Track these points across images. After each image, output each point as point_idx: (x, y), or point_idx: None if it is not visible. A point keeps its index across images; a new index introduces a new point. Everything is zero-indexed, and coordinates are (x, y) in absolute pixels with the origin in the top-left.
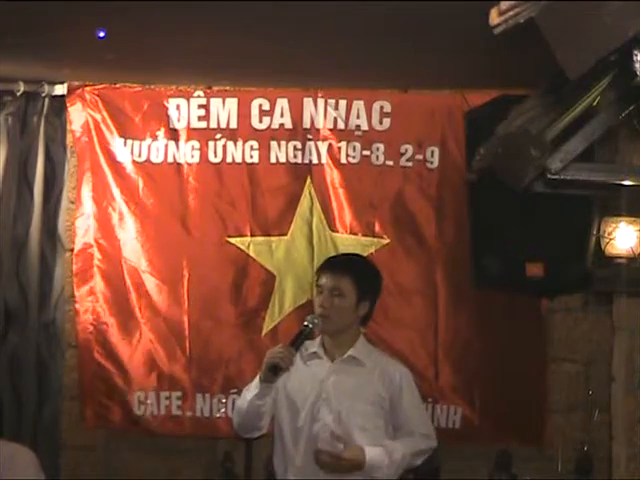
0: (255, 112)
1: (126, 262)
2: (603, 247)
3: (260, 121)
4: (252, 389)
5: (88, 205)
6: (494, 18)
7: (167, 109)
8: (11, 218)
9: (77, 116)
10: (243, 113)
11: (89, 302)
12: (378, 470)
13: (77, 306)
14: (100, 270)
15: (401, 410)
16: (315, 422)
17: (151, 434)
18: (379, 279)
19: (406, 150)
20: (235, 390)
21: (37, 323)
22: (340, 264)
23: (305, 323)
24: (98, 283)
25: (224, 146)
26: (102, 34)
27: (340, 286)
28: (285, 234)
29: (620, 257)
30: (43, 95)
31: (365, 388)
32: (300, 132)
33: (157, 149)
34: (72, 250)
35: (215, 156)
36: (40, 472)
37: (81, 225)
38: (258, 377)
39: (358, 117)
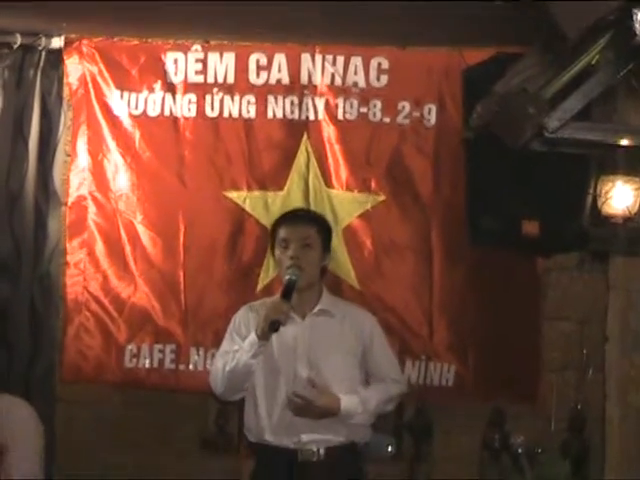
0: (252, 67)
1: (121, 215)
2: (599, 206)
3: (257, 76)
4: (246, 349)
5: (83, 158)
6: None
7: (164, 63)
8: (5, 171)
9: (74, 69)
10: (240, 68)
11: (82, 255)
12: (352, 417)
13: (69, 258)
14: (94, 223)
15: (372, 358)
16: (293, 379)
17: (142, 387)
18: (332, 230)
19: (403, 107)
20: None
21: (31, 276)
22: (303, 216)
23: (288, 277)
24: (92, 236)
25: (221, 100)
26: None
27: (309, 237)
28: (281, 189)
29: (616, 216)
30: (40, 48)
31: (339, 340)
32: (297, 88)
33: (154, 102)
34: (67, 204)
35: (212, 110)
36: (39, 424)
37: (76, 178)
38: (254, 335)
39: (355, 73)
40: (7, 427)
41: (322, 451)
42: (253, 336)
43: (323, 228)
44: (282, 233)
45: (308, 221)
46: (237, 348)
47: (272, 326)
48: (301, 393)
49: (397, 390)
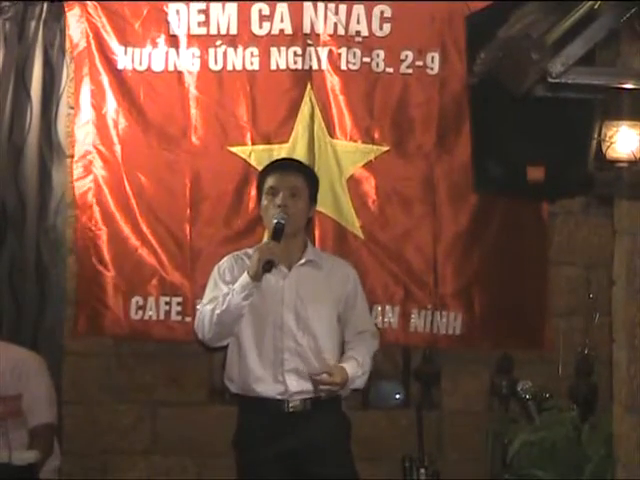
0: (255, 17)
1: (126, 169)
2: (604, 151)
3: (260, 27)
4: (238, 291)
5: (87, 111)
6: None
7: (167, 14)
8: (8, 123)
9: (75, 22)
10: (243, 18)
11: (89, 208)
12: (353, 383)
13: (75, 212)
14: (100, 176)
15: (355, 310)
16: (280, 329)
17: (149, 339)
18: (318, 182)
19: (406, 57)
20: None
21: (37, 229)
22: (291, 165)
23: (275, 221)
24: (98, 189)
25: (224, 53)
26: None
27: (297, 185)
28: (286, 142)
29: (621, 161)
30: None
31: (325, 291)
32: (300, 37)
33: (158, 57)
34: (72, 156)
35: (215, 63)
36: (49, 377)
37: (80, 131)
38: (246, 276)
39: (358, 22)
40: (21, 379)
41: (309, 402)
42: (246, 277)
43: (310, 179)
44: (270, 181)
45: (296, 170)
46: (227, 291)
47: (266, 266)
48: (316, 377)
49: (377, 345)
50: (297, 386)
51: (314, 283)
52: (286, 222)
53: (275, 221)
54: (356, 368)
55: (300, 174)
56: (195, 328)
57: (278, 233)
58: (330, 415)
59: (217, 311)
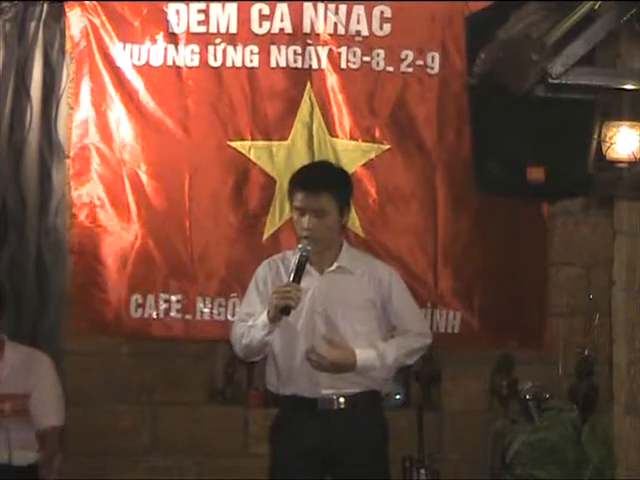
0: (255, 17)
1: (125, 165)
2: (604, 151)
3: (260, 26)
4: (260, 328)
5: (86, 109)
6: None
7: (166, 14)
8: (8, 124)
9: (76, 21)
10: (243, 18)
11: (86, 206)
12: (370, 371)
13: (73, 210)
14: (98, 174)
15: (392, 310)
16: (311, 332)
17: (149, 337)
18: (351, 184)
19: (406, 56)
20: (235, 294)
21: (37, 229)
22: (317, 181)
23: (299, 253)
24: (96, 186)
25: (224, 50)
26: None
27: (323, 206)
28: (285, 139)
29: (621, 161)
30: (41, 0)
31: (356, 296)
32: (300, 37)
33: (156, 53)
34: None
35: (215, 60)
36: (56, 376)
37: (78, 129)
38: (266, 317)
39: (358, 22)
40: (30, 378)
41: (341, 399)
42: (265, 319)
43: (340, 190)
44: (297, 200)
45: (324, 188)
46: (251, 324)
47: (283, 312)
48: (317, 349)
49: (419, 344)
50: (330, 388)
51: (345, 289)
52: (310, 252)
53: (297, 255)
54: (372, 357)
55: (328, 191)
56: (231, 341)
57: (299, 271)
58: (364, 415)
59: (243, 341)
